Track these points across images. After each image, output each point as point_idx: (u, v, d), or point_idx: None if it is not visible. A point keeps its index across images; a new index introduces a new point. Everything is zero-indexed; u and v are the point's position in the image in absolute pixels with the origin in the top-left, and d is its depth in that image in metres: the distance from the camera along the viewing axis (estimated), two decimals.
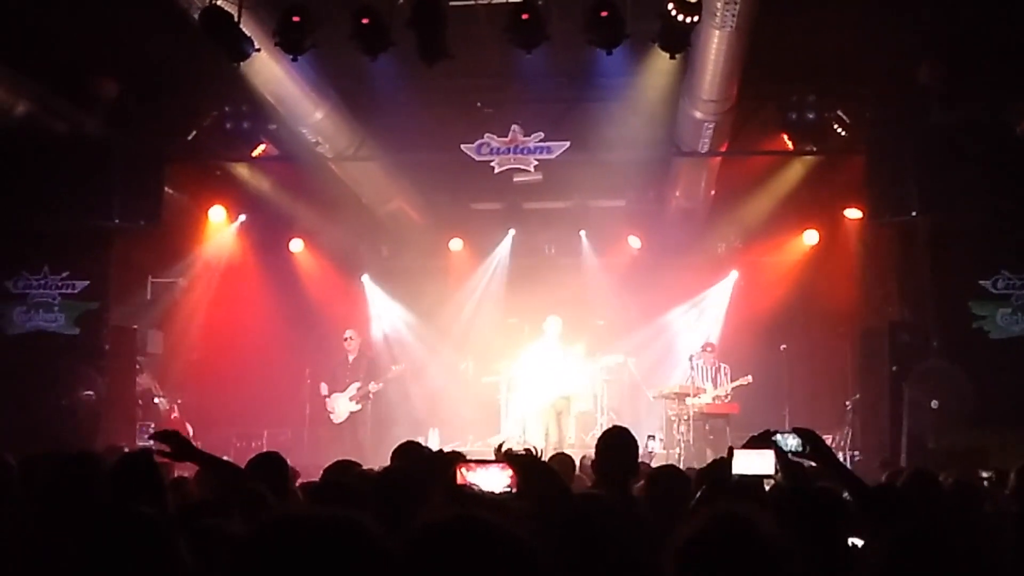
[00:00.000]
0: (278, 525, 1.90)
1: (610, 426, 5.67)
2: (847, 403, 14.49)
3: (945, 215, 12.91)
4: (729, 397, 14.51)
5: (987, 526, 5.32)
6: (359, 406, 14.76)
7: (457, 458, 4.42)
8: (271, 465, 5.35)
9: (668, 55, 10.95)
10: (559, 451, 9.03)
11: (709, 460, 10.39)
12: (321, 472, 5.89)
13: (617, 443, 5.32)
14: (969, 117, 12.44)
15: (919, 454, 11.97)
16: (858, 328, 15.00)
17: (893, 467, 11.05)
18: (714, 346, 15.19)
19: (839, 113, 13.73)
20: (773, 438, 4.37)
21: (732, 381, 14.49)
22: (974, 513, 5.72)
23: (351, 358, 15.09)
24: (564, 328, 14.65)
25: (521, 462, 3.84)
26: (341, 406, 14.75)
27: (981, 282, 12.93)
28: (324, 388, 14.94)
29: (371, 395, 14.89)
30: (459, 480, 3.69)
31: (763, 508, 3.24)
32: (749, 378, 14.44)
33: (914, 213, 13.09)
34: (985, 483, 7.45)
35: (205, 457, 4.98)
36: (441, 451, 5.04)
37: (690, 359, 14.86)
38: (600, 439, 5.43)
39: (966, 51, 11.99)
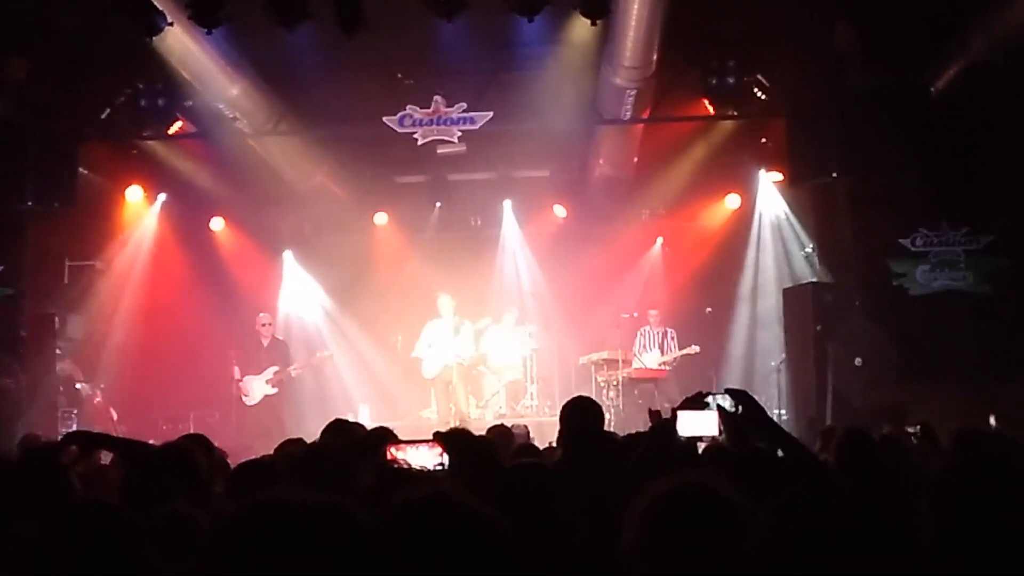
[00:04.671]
0: (255, 511, 1.88)
1: (574, 396, 5.66)
2: (772, 363, 14.70)
3: (864, 176, 13.12)
4: (676, 363, 14.70)
5: (914, 480, 5.41)
6: (275, 389, 14.58)
7: (388, 438, 4.38)
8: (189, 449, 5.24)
9: (589, 21, 10.93)
10: (462, 422, 9.06)
11: (640, 425, 10.50)
12: (246, 453, 5.82)
13: (582, 412, 5.30)
14: (886, 79, 12.61)
15: (844, 412, 12.21)
16: (781, 290, 15.21)
17: (819, 425, 11.29)
18: (658, 311, 15.36)
19: (759, 77, 13.82)
20: (706, 400, 4.39)
21: (680, 349, 14.70)
22: (902, 467, 5.82)
23: (265, 342, 14.89)
24: (491, 300, 14.71)
25: (450, 439, 3.81)
26: (256, 389, 14.57)
27: (900, 241, 13.19)
28: (236, 371, 14.73)
29: (290, 378, 14.73)
30: (388, 458, 3.66)
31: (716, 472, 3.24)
32: (696, 348, 14.64)
33: (834, 175, 13.30)
34: (913, 438, 7.59)
35: (116, 442, 4.90)
36: (374, 429, 5.00)
37: (641, 328, 15.07)
38: (564, 409, 5.40)
39: (881, 14, 12.14)
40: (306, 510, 1.86)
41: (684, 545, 2.25)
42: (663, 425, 4.65)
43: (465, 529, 1.89)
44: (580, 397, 5.75)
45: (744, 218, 16.17)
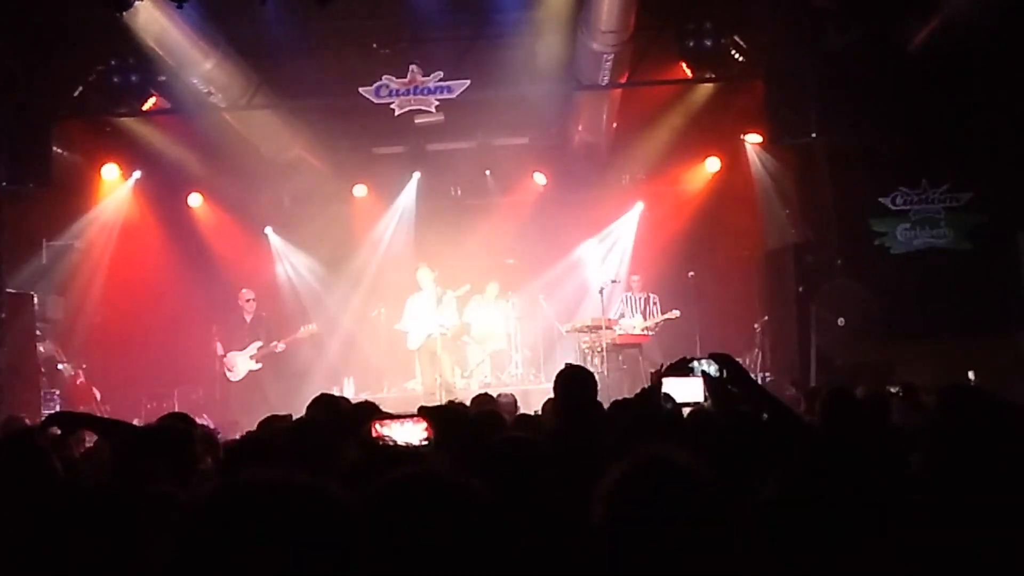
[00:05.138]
0: (235, 490, 1.86)
1: (565, 365, 5.63)
2: (756, 326, 14.73)
3: (843, 136, 13.13)
4: (658, 328, 14.73)
5: (897, 439, 5.44)
6: (259, 365, 14.55)
7: (373, 412, 4.35)
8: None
9: None
10: (448, 392, 9.03)
11: (625, 391, 10.50)
12: (232, 429, 5.81)
13: (581, 381, 5.30)
14: (863, 37, 12.58)
15: (828, 371, 12.27)
16: (763, 252, 15.23)
17: (804, 386, 11.34)
18: (640, 277, 15.38)
19: (736, 39, 13.76)
20: (691, 365, 4.37)
21: (663, 313, 14.72)
22: (884, 426, 5.85)
23: (248, 318, 14.84)
24: (473, 270, 14.77)
25: (435, 414, 3.79)
26: (240, 364, 14.53)
27: (880, 200, 13.24)
28: (219, 347, 14.68)
29: (274, 353, 14.69)
30: (373, 434, 3.63)
31: (685, 441, 3.24)
32: (676, 312, 14.66)
33: (813, 135, 13.28)
34: (896, 397, 7.63)
35: (97, 422, 4.87)
36: (359, 404, 4.98)
37: (623, 294, 15.13)
38: (559, 377, 5.36)
39: None
40: (283, 490, 1.84)
41: (646, 520, 2.24)
42: (645, 392, 4.64)
43: (450, 508, 1.88)
44: (574, 366, 5.72)
45: (724, 180, 16.14)
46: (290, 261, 17.18)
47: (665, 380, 4.39)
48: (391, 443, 3.26)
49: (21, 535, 2.72)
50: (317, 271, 17.02)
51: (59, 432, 4.57)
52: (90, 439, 9.12)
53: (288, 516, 1.80)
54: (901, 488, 2.72)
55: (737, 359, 4.36)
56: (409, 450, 3.28)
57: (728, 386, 4.06)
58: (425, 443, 3.27)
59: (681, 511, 2.23)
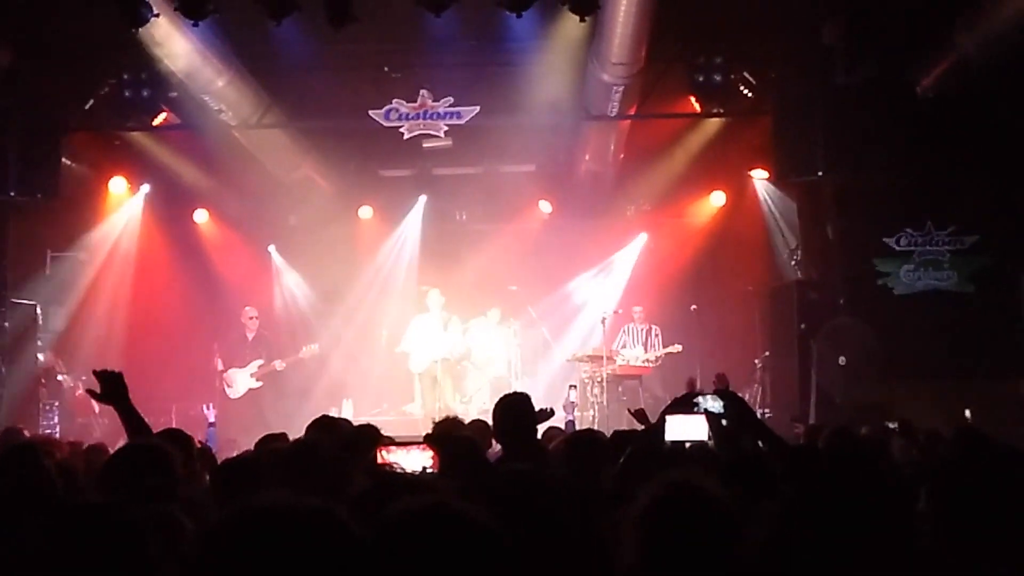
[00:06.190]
0: (247, 515, 1.83)
1: (506, 393, 5.53)
2: (756, 361, 14.72)
3: (849, 175, 13.16)
4: (660, 361, 14.72)
5: (899, 477, 5.44)
6: (259, 383, 14.55)
7: (376, 437, 4.34)
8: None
9: (578, 17, 10.91)
10: (448, 415, 8.97)
11: (624, 422, 10.50)
12: (229, 447, 5.79)
13: (515, 407, 5.24)
14: (872, 77, 12.63)
15: (828, 410, 12.24)
16: (766, 287, 15.23)
17: (803, 423, 11.33)
18: (642, 308, 15.37)
19: (746, 75, 13.82)
20: (695, 400, 4.37)
21: (664, 346, 14.71)
22: (887, 465, 5.85)
23: (250, 336, 14.84)
24: (476, 296, 14.82)
25: (442, 442, 3.79)
26: (240, 382, 14.52)
27: (885, 240, 13.24)
28: (219, 363, 14.66)
29: (275, 372, 14.68)
30: (380, 461, 3.63)
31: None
32: (679, 347, 14.66)
33: (820, 173, 13.31)
34: (894, 434, 7.65)
35: (127, 409, 4.86)
36: (361, 427, 4.97)
37: (625, 325, 15.14)
38: (498, 405, 5.29)
39: (868, 11, 12.15)
40: (298, 516, 1.81)
41: (680, 547, 2.25)
42: (649, 430, 4.63)
43: (467, 541, 1.87)
44: (511, 395, 5.64)
45: (729, 215, 16.17)
46: (293, 280, 17.17)
47: (668, 418, 4.39)
48: (399, 470, 3.26)
49: (19, 552, 2.69)
50: (319, 291, 17.00)
51: (95, 393, 4.53)
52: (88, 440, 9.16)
53: (301, 542, 1.77)
54: (908, 533, 2.72)
55: (741, 396, 4.37)
56: (416, 478, 3.28)
57: (732, 426, 4.06)
58: (431, 471, 3.27)
59: (711, 538, 2.23)
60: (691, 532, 2.27)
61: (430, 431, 4.76)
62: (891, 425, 8.58)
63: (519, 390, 14.84)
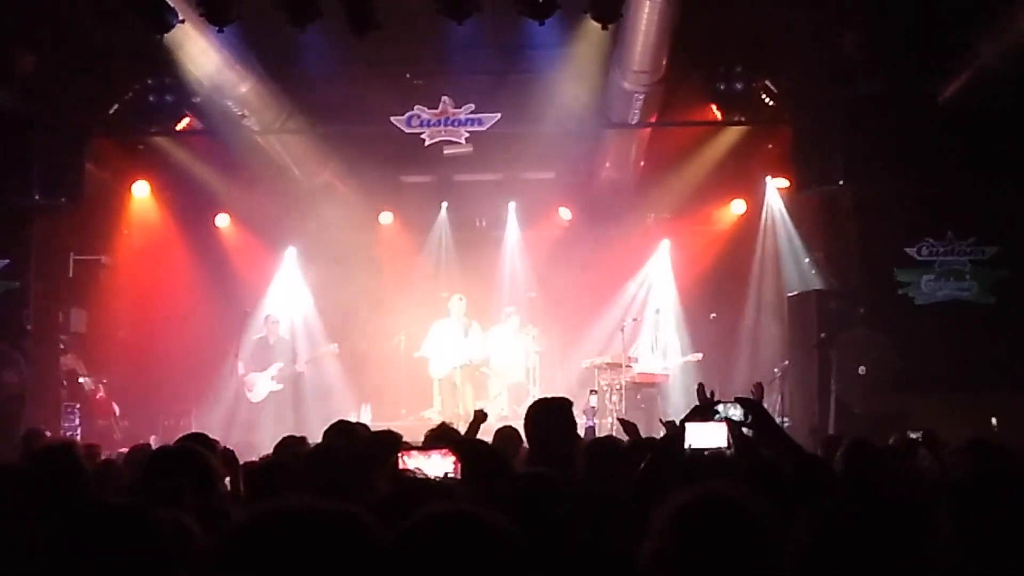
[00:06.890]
0: (268, 519, 1.84)
1: (541, 397, 5.49)
2: (776, 369, 14.68)
3: (870, 184, 13.12)
4: (678, 369, 14.73)
5: (919, 489, 5.42)
6: (280, 386, 14.63)
7: (397, 443, 4.35)
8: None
9: (600, 25, 10.94)
10: (443, 423, 8.94)
11: (643, 429, 10.48)
12: (250, 450, 5.82)
13: (554, 413, 5.21)
14: (893, 87, 12.62)
15: (847, 419, 12.22)
16: (786, 296, 15.19)
17: (822, 433, 11.29)
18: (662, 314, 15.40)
19: (767, 83, 13.83)
20: (716, 409, 4.38)
21: (684, 354, 14.75)
22: (907, 477, 5.82)
23: (272, 340, 14.93)
24: (495, 302, 14.83)
25: (464, 447, 3.80)
26: (261, 385, 14.60)
27: (906, 250, 13.22)
28: (240, 367, 14.74)
29: (294, 375, 14.75)
30: (401, 466, 3.64)
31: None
32: (699, 355, 14.67)
33: (840, 182, 13.29)
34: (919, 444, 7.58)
35: None
36: (381, 433, 4.99)
37: (645, 332, 15.11)
38: (531, 410, 5.22)
39: (889, 21, 12.13)
40: (321, 519, 1.82)
41: (710, 556, 2.26)
42: (668, 437, 4.63)
43: (488, 547, 1.89)
44: (546, 399, 5.57)
45: (750, 223, 16.14)
46: (313, 285, 17.21)
47: (688, 425, 4.40)
48: (420, 475, 3.28)
49: (47, 549, 2.72)
50: (339, 296, 17.03)
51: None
52: (106, 452, 9.21)
53: (325, 546, 1.78)
54: (924, 540, 2.72)
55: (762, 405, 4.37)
56: (438, 484, 3.29)
57: (753, 434, 4.07)
58: (452, 476, 3.28)
59: (741, 547, 2.25)
60: (723, 544, 2.27)
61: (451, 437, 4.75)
62: (913, 435, 8.51)
63: (535, 394, 15.07)
